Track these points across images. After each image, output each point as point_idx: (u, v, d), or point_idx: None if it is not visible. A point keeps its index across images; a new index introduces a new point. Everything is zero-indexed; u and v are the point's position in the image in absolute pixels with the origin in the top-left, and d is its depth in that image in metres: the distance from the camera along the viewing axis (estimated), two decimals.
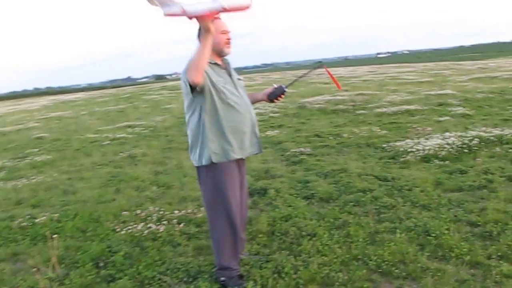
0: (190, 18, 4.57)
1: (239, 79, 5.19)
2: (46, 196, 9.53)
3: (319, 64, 6.92)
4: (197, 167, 5.00)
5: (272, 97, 5.38)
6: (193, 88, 4.68)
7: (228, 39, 4.99)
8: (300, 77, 5.92)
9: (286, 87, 5.39)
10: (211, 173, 4.90)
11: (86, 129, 20.93)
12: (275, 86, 5.43)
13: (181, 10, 4.65)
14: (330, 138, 12.80)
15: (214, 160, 4.83)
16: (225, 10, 4.64)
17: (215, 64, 4.93)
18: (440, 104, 17.54)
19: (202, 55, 4.50)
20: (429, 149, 9.98)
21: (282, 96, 5.40)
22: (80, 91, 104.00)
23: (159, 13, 4.79)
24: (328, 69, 5.73)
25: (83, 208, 8.30)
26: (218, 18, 4.87)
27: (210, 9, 4.54)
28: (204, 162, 4.87)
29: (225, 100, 4.84)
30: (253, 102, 5.35)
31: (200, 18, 4.46)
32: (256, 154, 5.21)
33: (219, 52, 4.99)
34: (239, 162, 5.07)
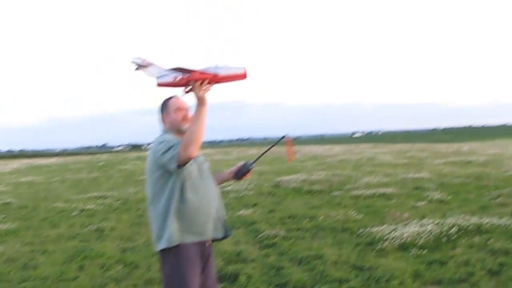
0: (185, 86, 4.52)
1: (204, 161, 5.04)
2: (5, 270, 9.12)
3: (284, 136, 6.73)
4: (159, 251, 4.79)
5: (239, 175, 5.22)
6: (179, 166, 4.57)
7: (185, 116, 4.90)
8: (265, 152, 5.67)
9: (252, 164, 5.23)
10: (171, 257, 4.70)
11: (55, 197, 20.46)
12: (240, 164, 5.28)
13: (174, 79, 4.55)
14: (305, 220, 12.44)
15: (176, 242, 4.65)
16: (220, 79, 4.54)
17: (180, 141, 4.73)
18: (417, 188, 17.36)
19: (201, 128, 4.47)
20: (407, 237, 9.71)
21: (249, 173, 5.22)
22: (55, 155, 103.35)
23: (152, 82, 4.67)
24: (290, 141, 5.53)
25: (43, 286, 7.90)
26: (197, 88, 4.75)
27: (204, 77, 4.48)
28: (164, 245, 4.68)
29: (191, 182, 4.72)
30: (220, 182, 5.24)
31: (194, 87, 4.46)
32: (221, 239, 4.98)
33: (178, 130, 4.88)
34: (204, 246, 4.85)
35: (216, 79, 4.62)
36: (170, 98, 4.95)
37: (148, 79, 4.80)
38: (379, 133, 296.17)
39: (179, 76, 4.62)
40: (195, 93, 4.49)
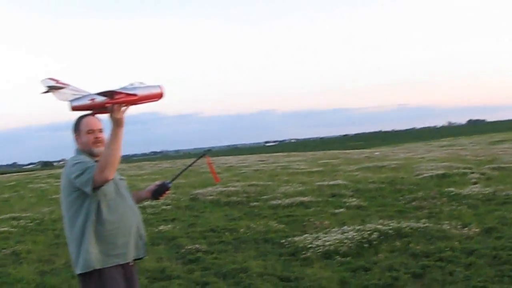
0: (101, 108, 4.39)
1: (121, 179, 4.92)
2: None
3: (203, 153, 6.66)
4: (78, 275, 4.64)
5: (157, 194, 5.12)
6: (95, 188, 4.44)
7: (96, 138, 4.75)
8: (184, 170, 5.61)
9: (170, 183, 5.14)
10: (94, 280, 4.57)
11: None
12: (158, 183, 5.19)
13: (90, 101, 4.41)
14: (226, 233, 12.34)
15: (97, 266, 4.52)
16: (136, 98, 4.44)
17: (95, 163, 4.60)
18: (334, 195, 17.54)
19: (117, 151, 4.36)
20: (329, 245, 9.80)
21: (167, 192, 5.14)
22: None
23: (66, 106, 4.51)
24: (210, 159, 5.49)
25: None
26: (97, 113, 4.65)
27: (128, 99, 4.38)
28: (82, 270, 4.55)
29: (108, 202, 4.61)
30: (138, 201, 5.10)
31: (112, 109, 4.31)
32: (141, 258, 4.90)
33: (89, 153, 4.74)
34: (127, 267, 4.74)
35: (134, 100, 4.52)
36: (82, 117, 4.78)
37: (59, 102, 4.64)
38: (292, 141, 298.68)
39: (96, 98, 4.48)
40: (113, 115, 4.36)
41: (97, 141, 4.74)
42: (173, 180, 5.20)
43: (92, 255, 4.51)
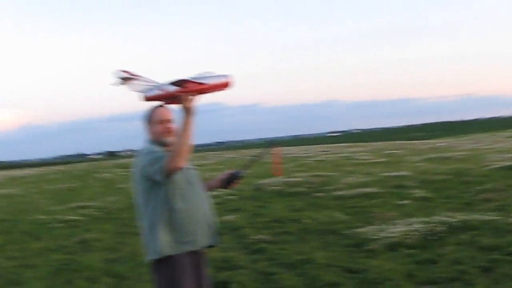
0: (172, 98, 4.43)
1: (192, 168, 4.96)
2: None
3: (273, 143, 6.63)
4: (150, 261, 4.74)
5: (228, 183, 5.17)
6: (166, 177, 4.50)
7: (167, 128, 4.81)
8: (255, 160, 5.63)
9: (241, 172, 5.18)
10: (165, 267, 4.65)
11: (35, 209, 20.23)
12: (230, 172, 5.21)
13: (162, 91, 4.47)
14: (290, 223, 12.37)
15: (168, 253, 4.60)
16: (205, 87, 4.48)
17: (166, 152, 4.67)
18: (398, 187, 17.37)
19: (188, 140, 4.43)
20: (395, 237, 9.66)
21: (238, 182, 5.18)
22: (32, 166, 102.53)
23: (140, 97, 4.57)
24: (280, 149, 5.48)
25: None
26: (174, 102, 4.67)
27: (200, 88, 4.43)
28: (154, 257, 4.64)
29: (180, 191, 4.66)
30: (209, 190, 5.14)
31: (182, 98, 4.37)
32: (212, 246, 4.93)
33: (160, 143, 4.79)
34: (196, 255, 4.79)
35: (204, 89, 4.56)
36: (153, 108, 4.85)
37: (131, 92, 4.69)
38: (355, 132, 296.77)
39: (168, 88, 4.53)
40: (184, 104, 4.41)
41: (168, 131, 4.79)
42: (243, 169, 5.22)
43: (163, 242, 4.58)
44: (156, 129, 4.81)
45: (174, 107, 4.64)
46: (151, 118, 4.86)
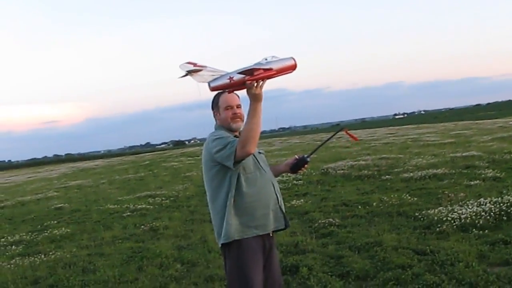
0: (239, 86, 4.40)
1: (260, 152, 5.00)
2: (65, 275, 9.07)
3: (338, 128, 6.62)
4: (221, 245, 4.76)
5: (295, 168, 5.16)
6: (236, 163, 4.54)
7: (234, 113, 4.87)
8: (322, 144, 5.62)
9: (308, 157, 5.15)
10: (234, 251, 4.67)
11: (106, 199, 20.63)
12: (297, 157, 5.21)
13: (229, 79, 4.49)
14: (359, 207, 12.28)
15: (237, 237, 4.63)
16: (272, 72, 4.48)
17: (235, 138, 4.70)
18: (468, 167, 17.07)
19: (257, 126, 4.44)
20: (466, 218, 9.49)
21: (305, 166, 5.16)
22: (99, 157, 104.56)
23: (205, 87, 4.60)
24: (349, 131, 5.44)
25: None
26: (232, 91, 4.67)
27: (268, 75, 4.43)
28: (226, 240, 4.65)
29: (248, 176, 4.70)
30: (276, 174, 5.15)
31: (250, 85, 4.38)
32: (282, 229, 4.93)
33: (228, 128, 4.86)
34: (266, 239, 4.79)
35: (271, 74, 4.55)
36: (220, 94, 4.88)
37: (197, 84, 4.70)
38: (421, 113, 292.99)
39: (235, 76, 4.53)
40: (251, 91, 4.41)
41: (236, 116, 4.84)
42: (311, 154, 5.21)
43: (232, 227, 4.61)
44: (223, 115, 4.86)
45: (241, 93, 4.65)
46: (218, 104, 4.91)
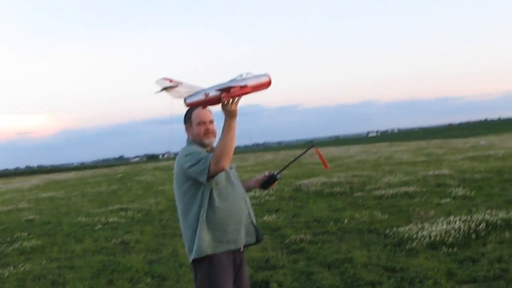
0: (214, 102, 4.43)
1: (231, 167, 4.99)
2: None
3: (310, 144, 6.68)
4: (192, 261, 4.75)
5: (265, 185, 5.22)
6: (209, 178, 4.56)
7: (207, 129, 4.88)
8: (292, 161, 5.71)
9: (278, 174, 5.22)
10: (205, 266, 4.68)
11: (77, 211, 20.48)
12: (267, 173, 5.26)
13: (205, 96, 4.53)
14: (330, 223, 12.34)
15: (209, 252, 4.63)
16: (248, 89, 4.52)
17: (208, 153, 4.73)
18: (439, 185, 17.27)
19: (232, 141, 4.47)
20: (435, 235, 9.61)
21: (275, 183, 5.24)
22: (72, 170, 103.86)
23: (180, 103, 4.63)
24: (319, 149, 5.49)
25: None
26: (206, 106, 4.74)
27: (244, 92, 4.48)
28: (199, 255, 4.65)
29: (220, 190, 4.72)
30: (246, 190, 5.16)
31: (225, 101, 4.42)
32: (253, 244, 4.95)
33: (200, 143, 4.87)
34: (236, 254, 4.82)
35: (246, 91, 4.59)
36: (192, 109, 4.90)
37: (172, 99, 4.74)
38: (394, 131, 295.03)
39: (210, 93, 4.58)
40: (226, 107, 4.45)
41: (208, 132, 4.86)
42: (281, 171, 5.28)
43: (205, 242, 4.62)
44: (196, 130, 4.87)
45: (214, 108, 4.69)
46: (190, 119, 4.92)
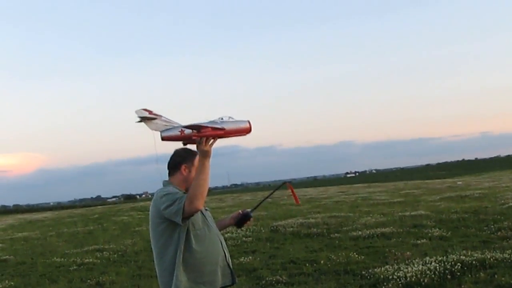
0: (189, 140, 4.51)
1: (206, 209, 5.00)
2: None
3: (283, 182, 6.76)
4: None
5: (240, 223, 5.24)
6: (185, 219, 4.54)
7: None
8: (265, 198, 5.76)
9: (251, 211, 5.24)
10: None
11: (52, 252, 20.25)
12: (241, 211, 5.27)
13: (180, 132, 4.55)
14: (307, 264, 12.31)
15: None
16: (222, 132, 4.54)
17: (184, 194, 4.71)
18: (415, 226, 17.30)
19: (205, 182, 4.47)
20: (411, 276, 9.65)
21: (249, 221, 5.25)
22: (49, 209, 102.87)
23: (156, 136, 4.64)
24: (292, 186, 5.53)
25: None
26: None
27: (216, 133, 4.50)
28: None
29: (197, 232, 4.71)
30: (221, 228, 5.22)
31: (201, 141, 4.45)
32: (229, 286, 4.93)
33: (187, 186, 4.79)
34: None
35: (222, 134, 4.62)
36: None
37: (149, 132, 4.77)
38: (373, 172, 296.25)
39: (186, 130, 4.61)
40: (200, 147, 4.47)
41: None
42: (254, 209, 5.31)
43: (182, 283, 4.60)
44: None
45: (193, 147, 4.71)
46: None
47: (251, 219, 5.25)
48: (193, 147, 4.66)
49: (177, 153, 4.96)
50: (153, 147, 4.79)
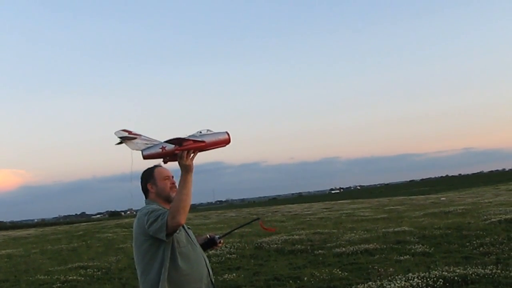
0: (171, 156, 4.53)
1: (189, 227, 5.05)
2: None
3: (255, 218, 6.82)
4: None
5: (205, 247, 5.22)
6: (169, 234, 4.56)
7: (173, 183, 4.94)
8: (235, 229, 5.95)
9: (220, 238, 5.26)
10: None
11: (36, 269, 20.14)
12: (209, 236, 5.30)
13: (161, 149, 4.59)
14: (290, 281, 12.36)
15: None
16: (203, 145, 4.59)
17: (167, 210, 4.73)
18: (399, 242, 17.36)
19: (187, 196, 4.47)
20: None
21: (218, 245, 5.30)
22: (33, 226, 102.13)
23: (138, 155, 4.68)
24: (262, 223, 5.61)
25: None
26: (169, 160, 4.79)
27: (196, 146, 4.54)
28: None
29: (182, 249, 4.73)
30: None
31: (181, 156, 4.50)
32: None
33: (166, 198, 4.90)
34: None
35: (203, 146, 4.68)
36: (154, 167, 4.97)
37: (131, 152, 4.80)
38: (357, 188, 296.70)
39: (167, 146, 4.65)
40: (182, 161, 4.52)
41: (174, 186, 4.91)
42: (223, 236, 5.35)
43: None
44: (161, 185, 4.92)
45: (172, 164, 4.76)
46: (153, 176, 4.97)
47: (220, 244, 5.30)
48: (174, 163, 4.71)
49: (141, 177, 5.05)
50: (134, 164, 4.83)
